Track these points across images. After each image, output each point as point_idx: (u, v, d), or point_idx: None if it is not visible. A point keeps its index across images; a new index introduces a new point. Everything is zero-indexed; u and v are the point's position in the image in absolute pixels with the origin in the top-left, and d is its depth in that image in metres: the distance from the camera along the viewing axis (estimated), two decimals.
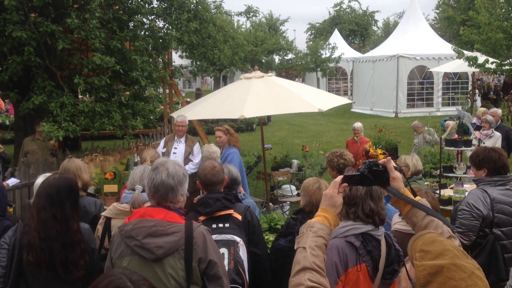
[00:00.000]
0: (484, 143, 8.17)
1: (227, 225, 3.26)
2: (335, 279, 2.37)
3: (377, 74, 23.93)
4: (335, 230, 2.49)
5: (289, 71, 36.30)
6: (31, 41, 7.74)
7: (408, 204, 2.20)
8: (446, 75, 23.15)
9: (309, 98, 6.84)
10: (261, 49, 29.98)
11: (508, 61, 15.15)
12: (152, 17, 10.25)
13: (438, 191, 6.85)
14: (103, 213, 3.70)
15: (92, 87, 8.50)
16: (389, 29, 46.59)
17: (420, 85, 23.44)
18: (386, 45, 25.26)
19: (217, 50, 12.13)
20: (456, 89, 23.74)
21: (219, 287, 2.53)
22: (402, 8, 62.71)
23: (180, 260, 2.47)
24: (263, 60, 30.35)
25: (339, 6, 51.80)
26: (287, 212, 8.67)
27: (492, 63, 14.60)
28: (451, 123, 8.06)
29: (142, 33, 9.90)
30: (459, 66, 17.55)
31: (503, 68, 15.05)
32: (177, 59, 24.54)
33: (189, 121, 8.06)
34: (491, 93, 22.84)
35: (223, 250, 3.11)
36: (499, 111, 10.33)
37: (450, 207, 6.44)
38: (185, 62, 25.26)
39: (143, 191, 3.37)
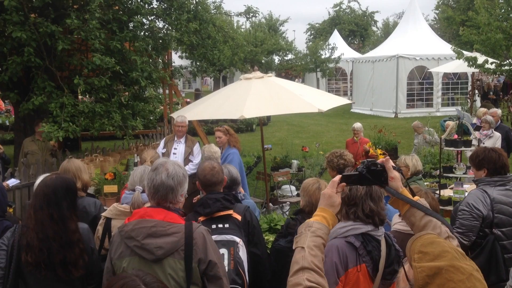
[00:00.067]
0: (484, 143, 8.17)
1: (226, 225, 3.26)
2: (335, 279, 2.36)
3: (377, 74, 23.94)
4: (335, 231, 2.49)
5: (288, 72, 36.29)
6: (31, 41, 7.74)
7: (407, 204, 2.20)
8: (445, 75, 23.16)
9: (309, 98, 6.85)
10: (261, 49, 29.99)
11: (507, 61, 15.17)
12: (152, 17, 10.25)
13: (438, 192, 6.85)
14: (103, 214, 3.70)
15: (92, 88, 8.50)
16: (388, 29, 46.68)
17: (419, 85, 23.45)
18: (385, 46, 25.27)
19: (216, 51, 12.16)
20: (456, 90, 23.75)
21: None
22: (401, 8, 62.86)
23: (180, 260, 2.47)
24: (262, 61, 30.37)
25: (338, 7, 51.82)
26: (287, 213, 8.66)
27: (491, 63, 14.60)
28: (451, 124, 8.06)
29: (142, 33, 9.90)
30: (459, 66, 17.55)
31: (503, 68, 15.06)
32: (177, 59, 24.55)
33: (189, 121, 8.06)
34: (491, 93, 22.85)
35: (223, 251, 3.11)
36: (498, 111, 10.33)
37: (450, 208, 6.45)
38: (185, 62, 25.27)
39: (143, 191, 3.37)
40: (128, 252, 2.51)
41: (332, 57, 31.01)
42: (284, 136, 18.25)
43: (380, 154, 8.36)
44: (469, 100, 19.63)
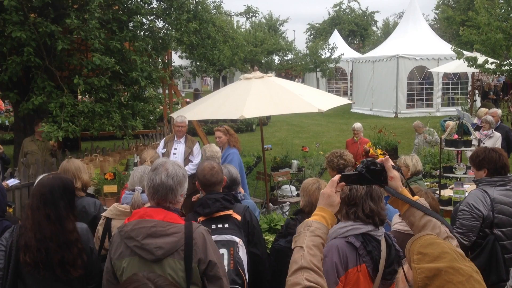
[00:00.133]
0: (484, 144, 8.17)
1: (226, 225, 3.26)
2: (335, 279, 2.36)
3: (377, 74, 23.94)
4: (335, 231, 2.49)
5: (288, 72, 36.30)
6: (31, 41, 7.74)
7: (406, 203, 2.19)
8: (445, 75, 23.16)
9: (309, 98, 6.84)
10: (261, 49, 30.00)
11: (507, 61, 15.17)
12: (152, 17, 10.25)
13: (438, 192, 6.85)
14: (103, 214, 3.69)
15: (91, 88, 8.49)
16: (388, 29, 46.67)
17: (419, 85, 23.45)
18: (385, 46, 25.27)
19: (216, 51, 12.15)
20: (456, 90, 23.76)
21: None
22: (401, 8, 62.88)
23: (179, 260, 2.46)
24: (262, 61, 30.37)
25: (338, 7, 51.83)
26: (287, 213, 8.66)
27: (491, 63, 14.60)
28: (451, 124, 8.06)
29: (142, 33, 9.90)
30: (459, 66, 17.56)
31: (503, 68, 15.06)
32: (177, 59, 24.54)
33: (189, 121, 8.05)
34: (491, 93, 22.85)
35: (223, 251, 3.11)
36: (499, 111, 10.33)
37: (450, 208, 6.44)
38: (185, 62, 25.26)
39: (143, 192, 3.36)
40: (128, 252, 2.50)
41: (332, 57, 31.01)
42: (284, 136, 18.24)
43: (380, 154, 8.36)
44: (469, 100, 19.63)
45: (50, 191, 3.00)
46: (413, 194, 2.24)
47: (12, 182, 6.68)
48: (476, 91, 20.54)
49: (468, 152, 7.94)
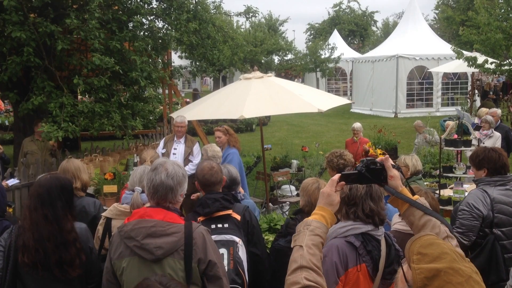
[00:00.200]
0: (483, 143, 8.17)
1: (226, 225, 3.26)
2: (335, 279, 2.36)
3: (377, 74, 23.94)
4: (335, 230, 2.49)
5: (288, 72, 36.31)
6: (31, 41, 7.74)
7: (406, 203, 2.19)
8: (445, 75, 23.16)
9: (309, 98, 6.84)
10: (261, 49, 30.01)
11: (507, 61, 15.17)
12: (152, 17, 10.24)
13: (437, 191, 6.85)
14: (103, 214, 3.69)
15: (91, 88, 8.49)
16: (388, 29, 46.71)
17: (419, 85, 23.45)
18: (385, 46, 25.27)
19: (216, 51, 12.13)
20: (456, 90, 23.76)
21: None
22: (401, 8, 62.91)
23: (179, 260, 2.46)
24: (262, 61, 30.38)
25: (338, 7, 51.84)
26: (287, 213, 8.66)
27: (491, 63, 14.60)
28: (451, 123, 8.06)
29: (142, 33, 9.89)
30: (459, 66, 17.56)
31: (503, 68, 15.06)
32: (177, 59, 24.52)
33: (189, 121, 8.05)
34: (491, 93, 22.86)
35: (223, 251, 3.11)
36: (498, 111, 10.33)
37: (449, 207, 6.44)
38: (185, 62, 25.24)
39: (142, 192, 3.36)
40: (128, 252, 2.50)
41: (332, 57, 31.01)
42: (284, 136, 18.24)
43: (380, 154, 8.36)
44: (469, 100, 19.63)
45: (48, 191, 2.99)
46: (413, 194, 2.24)
47: (12, 182, 6.68)
48: (476, 91, 20.55)
49: (468, 152, 7.94)
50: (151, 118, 12.05)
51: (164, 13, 9.97)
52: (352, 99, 26.22)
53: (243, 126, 19.67)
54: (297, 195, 8.72)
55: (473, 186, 5.39)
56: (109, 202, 6.27)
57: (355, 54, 33.27)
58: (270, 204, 8.41)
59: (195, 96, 26.32)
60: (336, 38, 35.26)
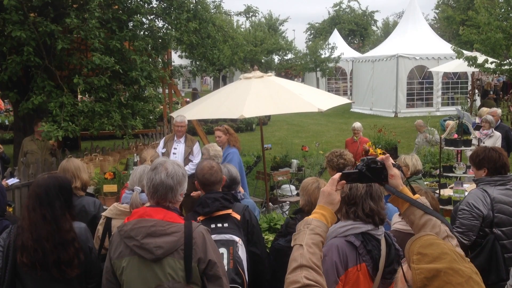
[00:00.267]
0: (484, 143, 8.17)
1: (225, 225, 3.25)
2: (335, 278, 2.36)
3: (377, 74, 23.93)
4: (335, 230, 2.48)
5: (288, 71, 36.32)
6: (31, 41, 7.74)
7: (406, 202, 2.19)
8: (445, 75, 23.15)
9: (309, 98, 6.83)
10: (261, 49, 30.01)
11: (507, 61, 15.18)
12: (152, 17, 10.24)
13: (437, 191, 6.85)
14: (103, 213, 3.68)
15: (91, 87, 8.49)
16: (388, 29, 46.72)
17: (419, 85, 23.45)
18: (385, 45, 25.27)
19: (216, 50, 12.13)
20: (456, 89, 23.76)
21: (218, 287, 2.52)
22: (401, 8, 62.88)
23: (179, 260, 2.46)
24: (262, 60, 30.38)
25: (338, 6, 51.83)
26: (287, 212, 8.66)
27: (491, 63, 14.60)
28: (451, 123, 8.06)
29: (142, 33, 9.89)
30: (459, 66, 17.55)
31: (503, 68, 15.06)
32: (177, 59, 24.52)
33: (189, 121, 8.04)
34: (491, 92, 22.85)
35: (222, 250, 3.11)
36: (498, 110, 10.32)
37: (449, 207, 6.44)
38: (185, 62, 25.23)
39: (142, 191, 3.36)
40: (128, 251, 2.50)
41: (332, 56, 31.01)
42: (284, 136, 18.25)
43: (380, 153, 8.36)
44: (469, 100, 19.63)
45: (46, 191, 2.99)
46: (414, 193, 2.24)
47: (12, 181, 6.68)
48: (476, 91, 20.55)
49: (468, 151, 7.94)
50: (151, 117, 12.05)
51: (164, 12, 9.97)
52: (352, 98, 26.21)
53: (243, 126, 19.67)
54: (297, 194, 8.72)
55: (473, 185, 5.39)
56: (109, 201, 6.27)
57: (355, 54, 33.25)
58: (270, 203, 8.41)
59: (194, 95, 26.33)
60: (336, 38, 35.25)
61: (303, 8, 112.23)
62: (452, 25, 34.85)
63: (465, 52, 16.24)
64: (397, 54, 22.38)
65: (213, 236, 2.86)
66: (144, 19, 9.92)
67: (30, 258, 2.86)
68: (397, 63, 22.47)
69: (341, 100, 8.54)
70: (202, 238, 2.52)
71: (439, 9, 40.97)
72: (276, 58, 33.14)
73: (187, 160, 7.48)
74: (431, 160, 9.76)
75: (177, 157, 7.45)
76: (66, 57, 8.66)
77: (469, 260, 1.64)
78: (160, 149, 7.66)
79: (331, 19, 51.48)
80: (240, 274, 3.11)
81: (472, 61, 14.73)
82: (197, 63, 18.75)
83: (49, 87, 8.14)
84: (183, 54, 22.72)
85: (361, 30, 51.14)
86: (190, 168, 7.14)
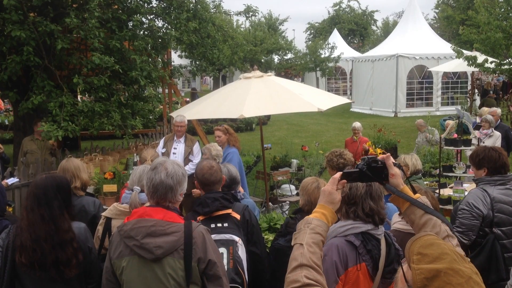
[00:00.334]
0: (483, 143, 8.17)
1: (225, 224, 3.25)
2: (335, 278, 2.36)
3: (377, 73, 23.93)
4: (335, 229, 2.48)
5: (288, 71, 36.32)
6: (30, 40, 7.73)
7: (407, 201, 2.18)
8: (445, 74, 23.15)
9: (309, 97, 6.83)
10: (261, 48, 30.01)
11: (507, 60, 15.18)
12: (151, 16, 10.24)
13: (437, 191, 6.85)
14: (103, 214, 3.68)
15: (91, 87, 8.49)
16: (388, 28, 46.73)
17: (419, 84, 23.45)
18: (385, 45, 25.27)
19: (216, 50, 12.13)
20: (456, 89, 23.77)
21: (218, 287, 2.52)
22: (401, 7, 62.84)
23: (179, 260, 2.46)
24: (262, 60, 30.38)
25: (338, 6, 51.84)
26: (287, 212, 8.66)
27: (491, 62, 14.60)
28: (451, 123, 8.06)
29: (141, 32, 9.89)
30: (459, 65, 17.55)
31: (502, 67, 15.06)
32: (177, 58, 24.51)
33: (188, 120, 8.04)
34: (491, 92, 22.85)
35: (222, 250, 3.11)
36: (498, 110, 10.33)
37: (449, 207, 6.44)
38: (185, 61, 25.23)
39: (141, 191, 3.36)
40: (128, 251, 2.50)
41: (332, 56, 31.01)
42: (284, 136, 18.25)
43: (380, 153, 8.36)
44: (468, 99, 19.62)
45: (44, 191, 2.98)
46: (414, 192, 2.24)
47: (11, 180, 6.67)
48: (476, 90, 20.55)
49: (468, 151, 7.94)
50: (151, 117, 12.06)
51: (164, 12, 9.97)
52: (352, 98, 26.21)
53: (243, 126, 19.67)
54: (297, 194, 8.72)
55: (473, 185, 5.38)
56: (109, 201, 6.26)
57: (355, 54, 33.25)
58: (270, 203, 8.40)
59: (194, 95, 26.33)
60: (336, 38, 35.25)
61: (303, 8, 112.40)
62: (452, 25, 34.86)
63: (465, 51, 16.24)
64: (397, 53, 22.37)
65: (213, 235, 2.85)
66: (143, 19, 9.92)
67: (28, 258, 2.85)
68: (397, 63, 22.47)
69: (341, 100, 8.54)
70: (202, 238, 2.52)
71: (439, 8, 40.99)
72: (276, 58, 33.15)
73: (187, 160, 7.47)
74: (431, 159, 9.77)
75: (177, 157, 7.44)
76: (66, 57, 8.65)
77: (469, 260, 1.64)
78: (160, 149, 7.66)
79: (331, 19, 51.48)
80: (240, 274, 3.11)
81: (472, 60, 14.73)
82: (197, 63, 18.76)
83: (48, 87, 8.14)
84: (183, 54, 22.70)
85: (361, 30, 51.14)
86: (190, 168, 7.13)
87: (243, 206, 3.50)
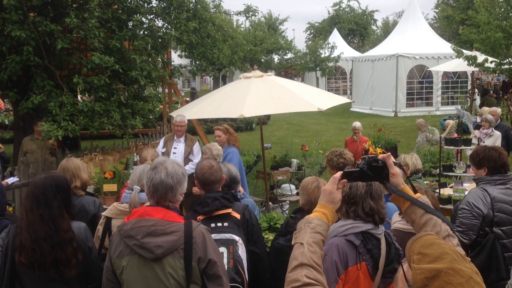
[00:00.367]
0: (483, 142, 8.17)
1: (225, 224, 3.25)
2: (335, 277, 2.36)
3: (377, 73, 23.93)
4: (335, 229, 2.48)
5: (288, 71, 36.31)
6: (30, 40, 7.73)
7: (407, 201, 2.18)
8: (445, 74, 23.15)
9: (309, 97, 6.83)
10: (261, 48, 30.01)
11: (507, 60, 15.18)
12: (151, 16, 10.24)
13: (437, 190, 6.85)
14: (103, 213, 3.68)
15: (91, 87, 8.49)
16: (388, 28, 46.74)
17: (419, 84, 23.45)
18: (385, 45, 25.26)
19: (216, 50, 12.12)
20: (456, 88, 23.77)
21: (219, 286, 2.52)
22: (401, 7, 62.84)
23: (179, 259, 2.46)
24: (262, 60, 30.38)
25: (338, 6, 51.84)
26: (287, 211, 8.66)
27: (491, 62, 14.60)
28: (451, 122, 8.06)
29: (141, 32, 9.89)
30: (459, 65, 17.55)
31: (502, 67, 15.06)
32: (176, 58, 24.53)
33: (188, 120, 8.04)
34: (491, 91, 22.85)
35: (222, 249, 3.11)
36: (498, 110, 10.33)
37: (449, 206, 6.44)
38: (185, 61, 25.24)
39: (141, 191, 3.35)
40: (128, 251, 2.50)
41: (332, 56, 31.01)
42: (284, 135, 18.26)
43: (380, 153, 8.36)
44: (468, 99, 19.63)
45: (43, 191, 2.98)
46: (415, 191, 2.24)
47: (12, 180, 6.67)
48: (476, 90, 20.56)
49: (468, 150, 7.94)
50: (151, 117, 12.06)
51: (164, 12, 9.96)
52: (352, 98, 26.21)
53: (243, 125, 19.68)
54: (297, 194, 8.72)
55: (473, 185, 5.38)
56: (109, 201, 6.26)
57: (355, 53, 33.26)
58: (270, 203, 8.41)
59: (193, 95, 26.34)
60: (336, 37, 35.25)
61: (303, 8, 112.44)
62: (451, 25, 34.86)
63: (464, 51, 16.24)
64: (397, 53, 22.37)
65: (213, 235, 2.85)
66: (143, 19, 9.92)
67: (28, 258, 2.85)
68: (397, 63, 22.46)
69: (341, 100, 8.54)
70: (202, 237, 2.52)
71: (439, 8, 41.00)
72: (276, 58, 33.15)
73: (187, 160, 7.47)
74: (431, 159, 9.76)
75: (177, 157, 7.44)
76: (66, 57, 8.65)
77: (469, 260, 1.64)
78: (160, 148, 7.66)
79: (331, 19, 51.49)
80: (240, 273, 3.11)
81: (472, 60, 14.73)
82: (197, 62, 18.77)
83: (48, 86, 8.14)
84: (183, 53, 22.75)
85: (361, 30, 51.14)
86: (190, 168, 7.13)
87: (243, 206, 3.50)
